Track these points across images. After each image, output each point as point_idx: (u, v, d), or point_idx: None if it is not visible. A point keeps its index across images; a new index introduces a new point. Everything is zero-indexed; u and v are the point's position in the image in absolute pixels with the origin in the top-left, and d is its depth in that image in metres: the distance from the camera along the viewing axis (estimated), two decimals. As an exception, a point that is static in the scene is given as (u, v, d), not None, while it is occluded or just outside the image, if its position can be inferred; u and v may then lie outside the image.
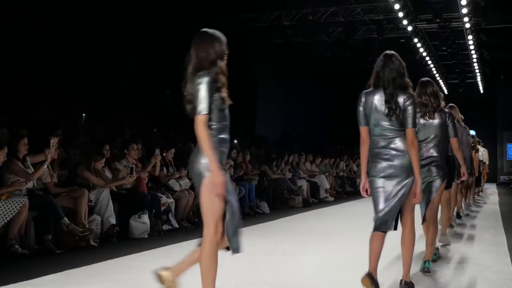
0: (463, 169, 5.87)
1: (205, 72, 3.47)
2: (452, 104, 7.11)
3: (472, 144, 9.96)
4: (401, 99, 4.22)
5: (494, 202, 15.06)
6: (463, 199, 10.75)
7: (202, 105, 3.40)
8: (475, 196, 14.83)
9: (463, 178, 6.01)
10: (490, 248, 6.85)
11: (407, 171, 4.20)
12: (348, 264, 5.71)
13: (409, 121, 4.20)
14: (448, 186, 5.77)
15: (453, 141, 5.58)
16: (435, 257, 5.77)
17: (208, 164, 3.43)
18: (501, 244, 7.09)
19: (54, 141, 6.71)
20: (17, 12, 11.36)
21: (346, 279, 5.00)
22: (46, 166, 6.58)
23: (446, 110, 5.75)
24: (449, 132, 5.53)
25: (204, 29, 3.64)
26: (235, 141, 13.93)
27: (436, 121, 5.35)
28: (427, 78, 5.52)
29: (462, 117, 8.13)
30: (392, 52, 4.42)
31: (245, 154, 11.96)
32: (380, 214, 4.22)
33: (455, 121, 5.83)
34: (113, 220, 7.19)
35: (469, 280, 5.06)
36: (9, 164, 6.34)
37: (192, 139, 12.32)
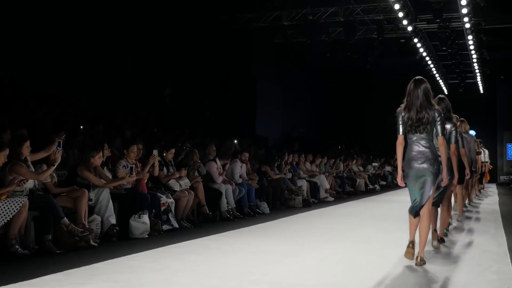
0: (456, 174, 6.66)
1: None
2: (462, 119, 8.44)
3: (477, 150, 11.16)
4: (448, 126, 6.43)
5: (494, 202, 15.04)
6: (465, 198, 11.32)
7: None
8: (476, 194, 15.16)
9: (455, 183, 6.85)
10: (490, 248, 6.85)
11: (449, 168, 6.22)
12: (349, 264, 5.71)
13: (452, 139, 6.57)
14: (460, 182, 7.44)
15: (452, 147, 6.62)
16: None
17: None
18: (501, 244, 7.08)
19: (61, 140, 6.75)
20: (18, 14, 11.38)
21: (346, 278, 5.00)
22: (55, 166, 6.61)
23: (454, 121, 6.97)
24: (451, 138, 6.62)
25: (420, 77, 5.47)
26: (235, 141, 13.93)
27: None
28: (443, 96, 6.96)
29: (468, 126, 9.36)
30: (444, 96, 6.79)
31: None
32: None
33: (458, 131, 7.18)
34: (113, 220, 7.18)
35: (469, 280, 5.06)
36: (14, 167, 6.30)
37: (191, 139, 12.37)
